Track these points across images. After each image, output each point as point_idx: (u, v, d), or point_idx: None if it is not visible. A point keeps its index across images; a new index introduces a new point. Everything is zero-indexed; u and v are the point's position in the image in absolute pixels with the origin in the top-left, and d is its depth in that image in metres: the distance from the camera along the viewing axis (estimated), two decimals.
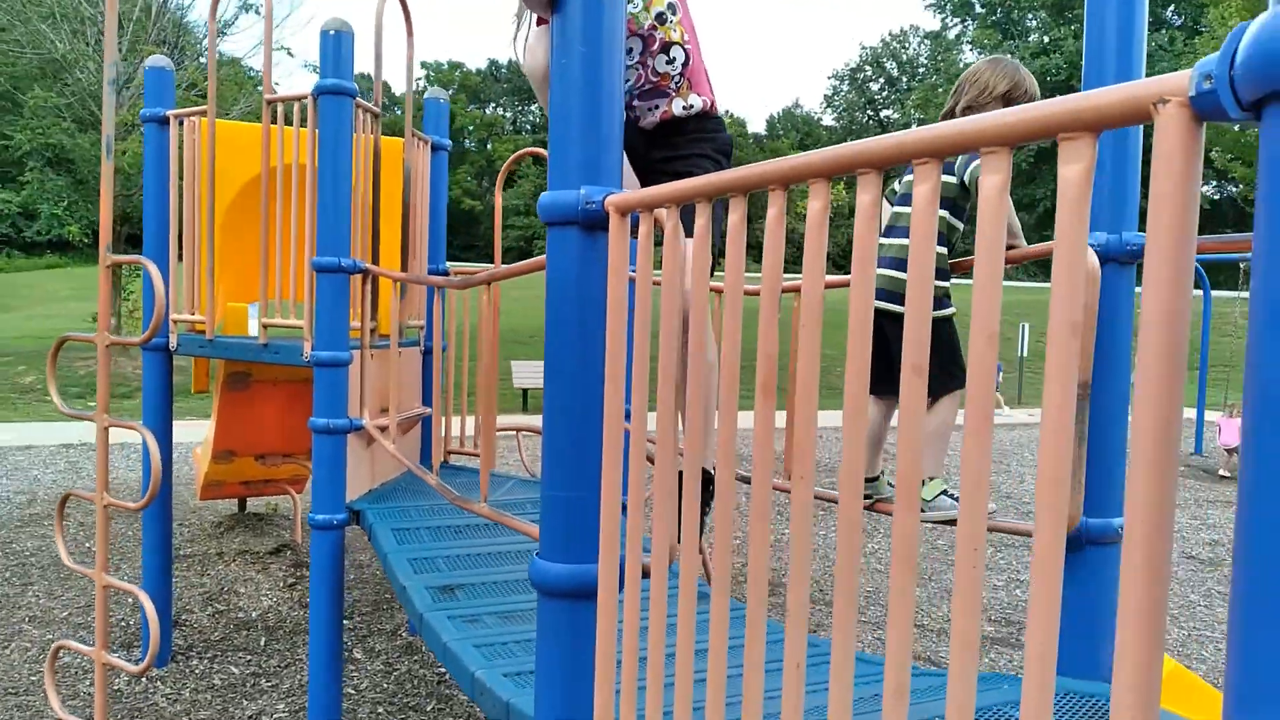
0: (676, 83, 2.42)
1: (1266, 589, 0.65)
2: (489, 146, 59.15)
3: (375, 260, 4.47)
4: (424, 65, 64.49)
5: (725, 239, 1.31)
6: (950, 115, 2.70)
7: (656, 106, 2.43)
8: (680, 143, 2.44)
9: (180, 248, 4.47)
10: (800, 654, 1.18)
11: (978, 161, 2.64)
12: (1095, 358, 2.18)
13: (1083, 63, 2.31)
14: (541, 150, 5.54)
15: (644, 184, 2.36)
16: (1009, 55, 2.75)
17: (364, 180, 4.30)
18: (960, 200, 2.71)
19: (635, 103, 2.43)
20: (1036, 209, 37.45)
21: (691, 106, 2.43)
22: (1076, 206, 0.83)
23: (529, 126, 67.35)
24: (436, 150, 5.00)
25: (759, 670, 1.28)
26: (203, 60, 14.54)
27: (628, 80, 2.36)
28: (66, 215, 17.42)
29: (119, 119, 16.62)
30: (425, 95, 5.08)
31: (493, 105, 67.84)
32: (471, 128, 61.21)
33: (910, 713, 1.05)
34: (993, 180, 0.92)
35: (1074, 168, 0.84)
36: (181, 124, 4.40)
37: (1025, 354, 18.77)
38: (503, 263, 5.65)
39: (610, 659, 1.62)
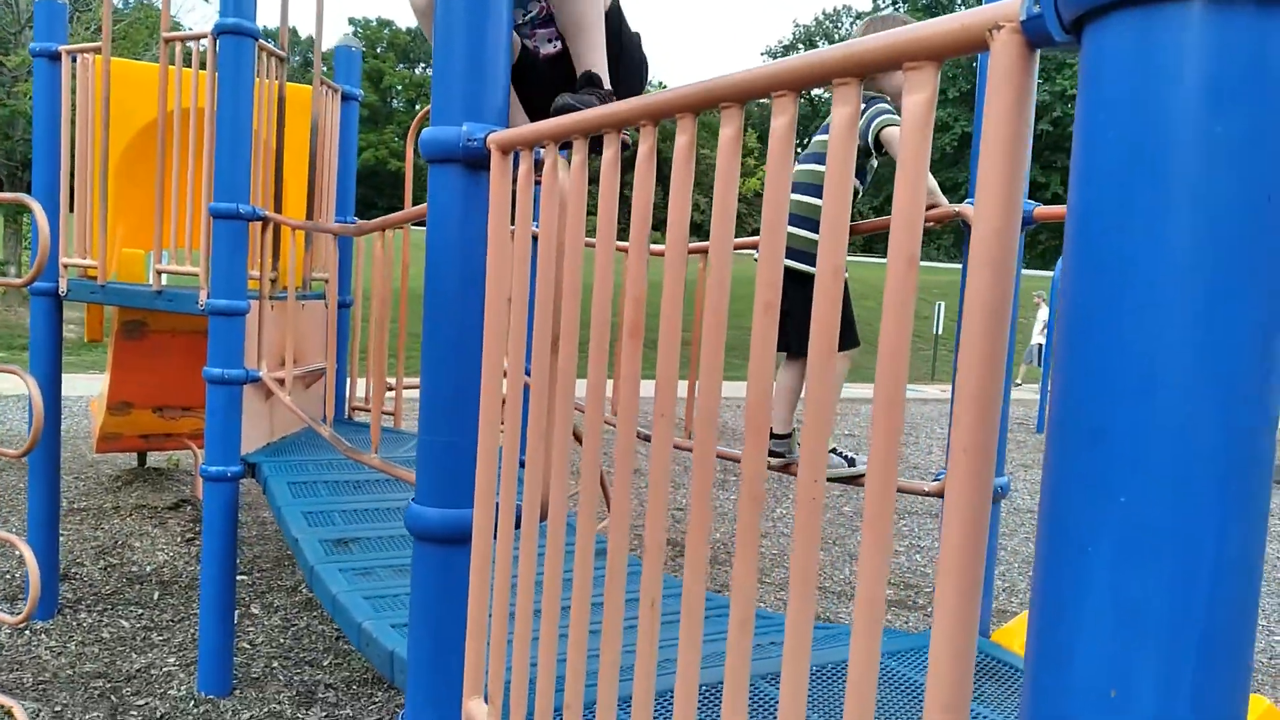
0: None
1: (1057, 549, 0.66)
2: (417, 107, 57.88)
3: (279, 210, 4.35)
4: (352, 22, 62.81)
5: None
6: None
7: (556, 35, 2.33)
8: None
9: (73, 192, 4.28)
10: (656, 591, 1.18)
11: (881, 118, 2.67)
12: None
13: None
14: None
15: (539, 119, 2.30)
16: (895, 10, 2.75)
17: (266, 127, 4.16)
18: (861, 161, 2.73)
19: (537, 31, 2.33)
20: (959, 191, 38.27)
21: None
22: (920, 134, 0.83)
23: None
24: (347, 100, 4.87)
25: (619, 611, 1.27)
26: None
27: (528, 12, 2.29)
28: None
29: (19, 60, 15.81)
30: (338, 44, 4.93)
31: (422, 65, 66.41)
32: (400, 87, 59.88)
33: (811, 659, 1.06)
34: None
35: (916, 97, 0.83)
36: (75, 60, 4.19)
37: (940, 332, 19.21)
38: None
39: (482, 605, 1.60)
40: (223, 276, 3.65)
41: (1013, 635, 2.93)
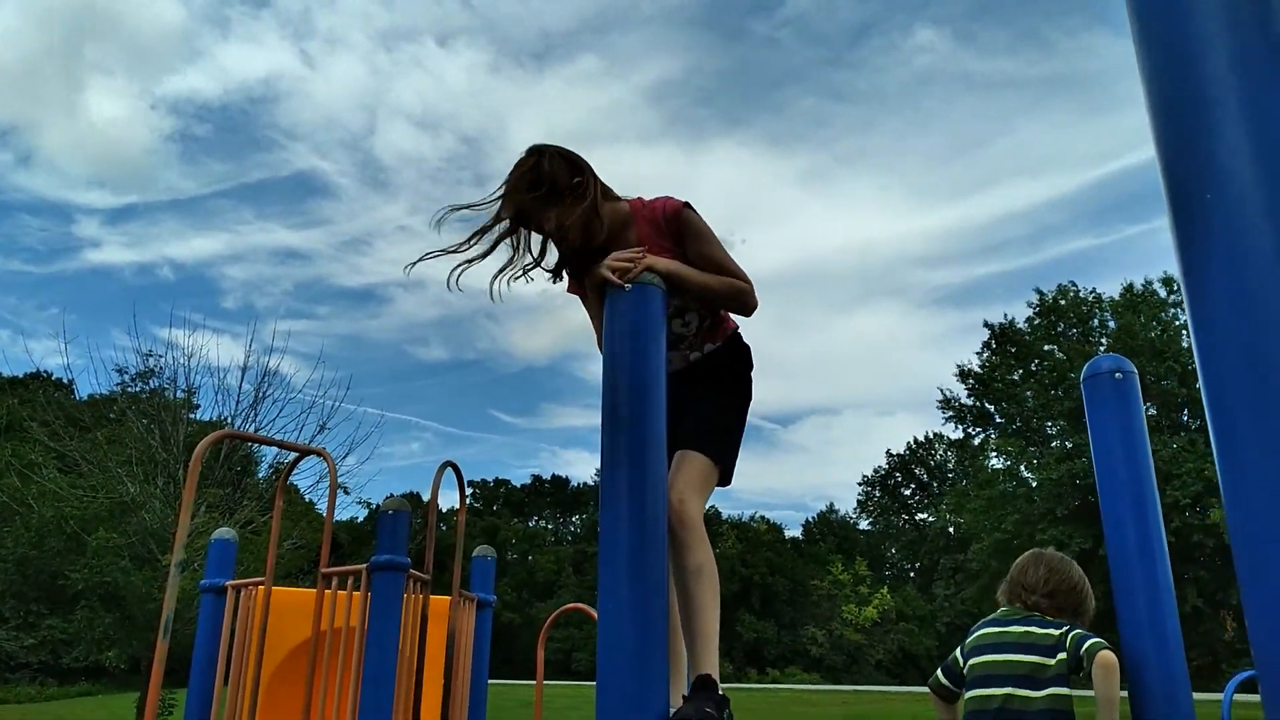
0: (690, 341, 2.63)
1: None
2: (530, 558, 59.69)
3: None
4: (470, 484, 67.16)
5: None
6: (1021, 589, 2.84)
7: (670, 360, 2.55)
8: (689, 386, 2.60)
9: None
10: None
11: (1093, 641, 2.65)
12: None
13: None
14: (583, 607, 5.65)
15: (675, 418, 2.41)
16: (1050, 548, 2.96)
17: (410, 644, 4.33)
18: (1072, 673, 2.72)
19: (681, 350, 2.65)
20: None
21: (701, 354, 2.64)
22: None
23: (569, 537, 68.49)
24: (482, 608, 5.08)
25: None
26: (261, 499, 15.28)
27: (687, 323, 2.63)
28: (104, 639, 17.34)
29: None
30: (475, 554, 5.26)
31: (535, 519, 69.61)
32: (514, 540, 62.23)
33: None
34: None
35: None
36: (239, 593, 4.55)
37: None
38: (543, 678, 5.47)
39: None
40: None
41: None
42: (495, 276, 2.51)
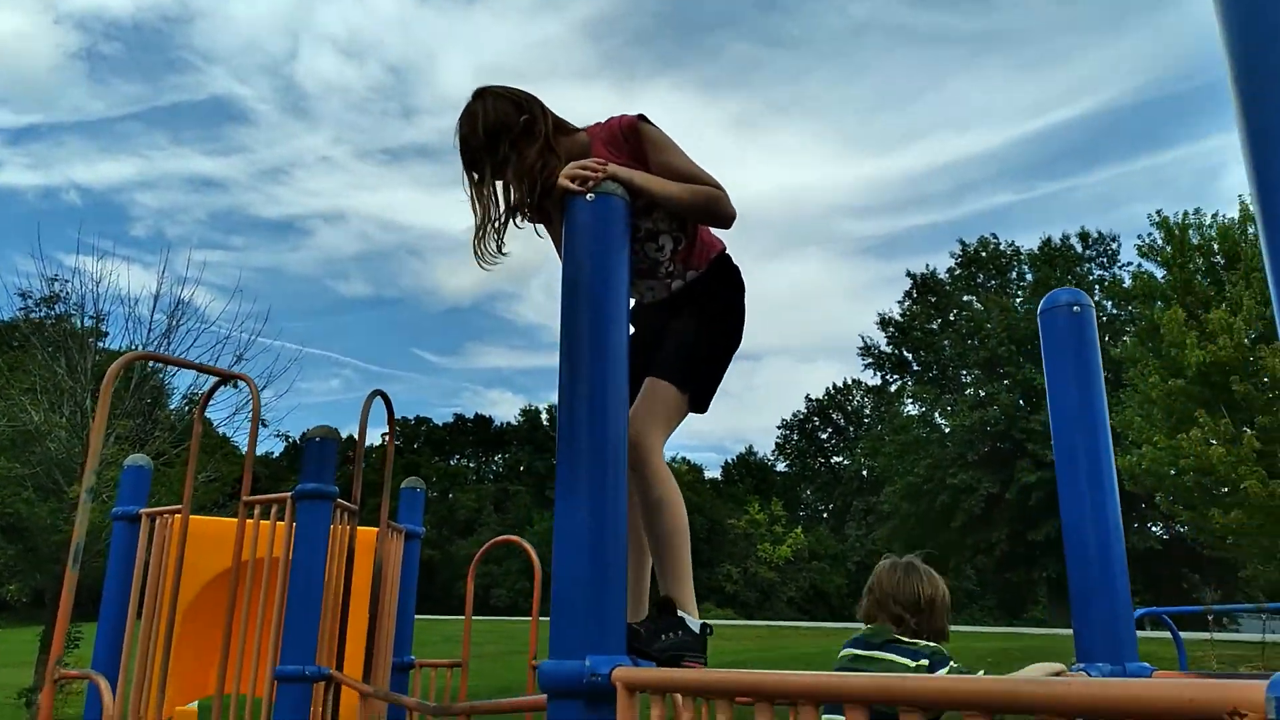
0: (668, 267, 2.47)
1: None
2: (451, 496, 59.49)
3: (341, 655, 4.27)
4: (392, 424, 66.28)
5: None
6: (893, 601, 2.65)
7: (651, 288, 2.50)
8: (672, 315, 2.48)
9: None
10: None
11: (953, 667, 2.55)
12: None
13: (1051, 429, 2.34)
14: (514, 539, 5.57)
15: (643, 357, 2.32)
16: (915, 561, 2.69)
17: (336, 576, 4.21)
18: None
19: (634, 280, 2.47)
20: (994, 552, 37.82)
21: (684, 282, 2.48)
22: None
23: (491, 476, 68.42)
24: (410, 538, 4.98)
25: None
26: (174, 430, 14.79)
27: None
28: (6, 571, 16.76)
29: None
30: (404, 485, 5.14)
31: (457, 457, 69.30)
32: (435, 478, 61.86)
33: None
34: None
35: None
36: (154, 521, 4.35)
37: None
38: (463, 613, 5.43)
39: None
40: None
41: None
42: (476, 238, 2.37)
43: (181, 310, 14.98)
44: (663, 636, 2.00)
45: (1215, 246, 25.44)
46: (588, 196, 1.84)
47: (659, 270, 2.48)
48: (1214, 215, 25.88)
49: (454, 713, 2.59)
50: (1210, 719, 0.75)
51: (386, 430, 4.55)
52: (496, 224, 2.37)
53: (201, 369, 6.01)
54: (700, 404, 2.37)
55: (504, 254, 2.43)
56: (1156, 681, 0.81)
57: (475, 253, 2.39)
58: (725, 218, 2.36)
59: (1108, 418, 2.29)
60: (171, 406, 16.50)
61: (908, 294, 47.50)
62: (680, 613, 2.13)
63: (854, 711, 1.09)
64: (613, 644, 1.62)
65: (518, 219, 2.42)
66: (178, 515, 4.30)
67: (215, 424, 17.09)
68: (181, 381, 17.01)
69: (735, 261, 2.54)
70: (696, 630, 2.12)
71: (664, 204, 2.29)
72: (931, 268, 47.03)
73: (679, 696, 1.44)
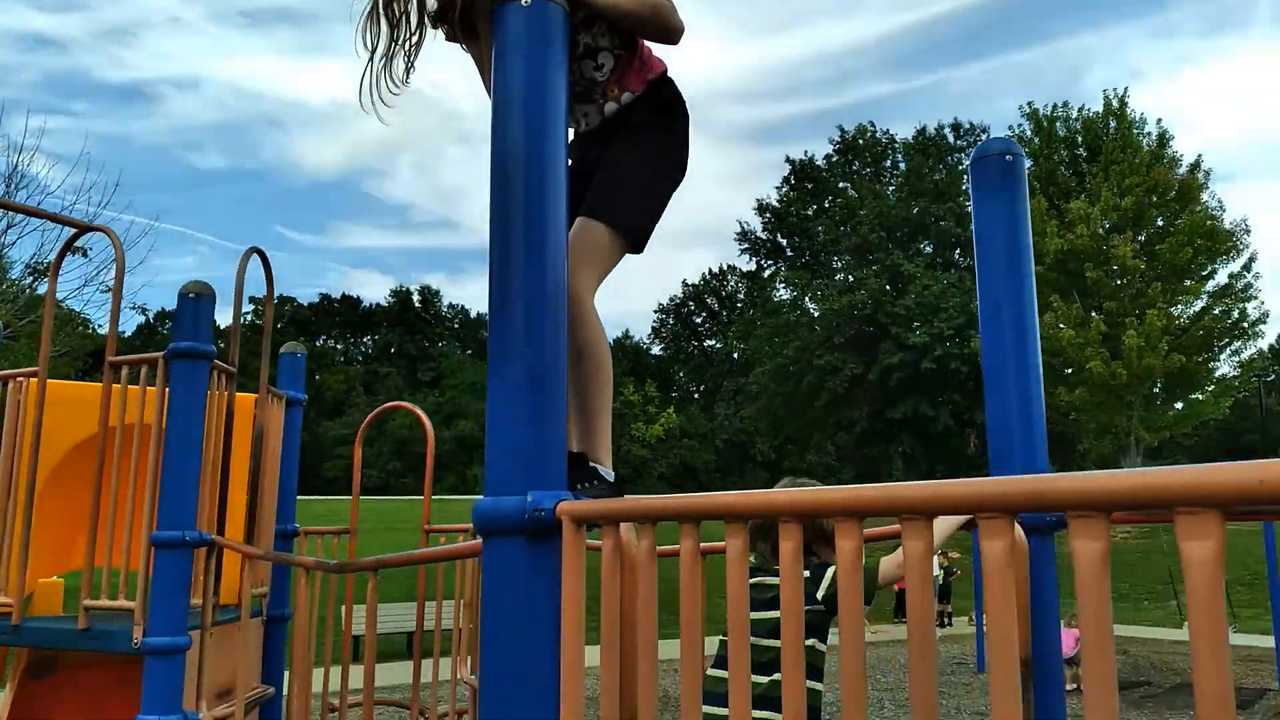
0: (604, 88, 2.25)
1: None
2: (318, 377, 58.08)
3: (222, 523, 4.09)
4: (251, 299, 63.76)
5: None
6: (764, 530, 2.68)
7: (586, 114, 2.28)
8: (609, 141, 2.27)
9: None
10: None
11: (831, 576, 2.59)
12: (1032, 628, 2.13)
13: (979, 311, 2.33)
14: (406, 405, 5.41)
15: (579, 185, 2.16)
16: (804, 477, 2.75)
17: (214, 442, 3.99)
18: (822, 621, 2.63)
19: (570, 105, 2.23)
20: (854, 429, 39.65)
21: (619, 103, 2.26)
22: (1210, 589, 0.76)
23: (360, 358, 67.01)
24: (291, 405, 4.75)
25: None
26: (16, 302, 13.75)
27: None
28: None
29: None
30: (283, 350, 4.87)
31: (323, 338, 67.50)
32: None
33: None
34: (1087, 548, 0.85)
35: (1200, 546, 0.77)
36: (6, 385, 4.00)
37: None
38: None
39: None
40: (164, 611, 3.34)
41: None
42: (375, 67, 2.12)
43: (19, 177, 13.76)
44: (579, 487, 1.94)
45: (1079, 140, 26.46)
46: (523, 1, 1.65)
47: (594, 92, 2.25)
48: (1080, 109, 26.81)
49: (360, 568, 2.49)
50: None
51: (265, 297, 4.27)
52: (408, 43, 2.13)
53: (56, 219, 5.46)
54: (638, 243, 2.20)
55: (407, 85, 2.21)
56: (1227, 465, 0.77)
57: (367, 89, 2.16)
58: (674, 30, 2.15)
59: (1034, 274, 2.29)
60: (12, 275, 15.31)
61: (786, 180, 47.98)
62: (593, 463, 2.06)
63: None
64: (555, 480, 1.54)
65: (436, 29, 2.18)
66: (34, 379, 3.96)
67: (63, 299, 15.99)
68: (24, 250, 15.76)
69: (677, 85, 2.32)
70: (611, 480, 2.06)
71: (607, 13, 2.08)
72: (810, 154, 47.48)
73: (623, 529, 1.37)
